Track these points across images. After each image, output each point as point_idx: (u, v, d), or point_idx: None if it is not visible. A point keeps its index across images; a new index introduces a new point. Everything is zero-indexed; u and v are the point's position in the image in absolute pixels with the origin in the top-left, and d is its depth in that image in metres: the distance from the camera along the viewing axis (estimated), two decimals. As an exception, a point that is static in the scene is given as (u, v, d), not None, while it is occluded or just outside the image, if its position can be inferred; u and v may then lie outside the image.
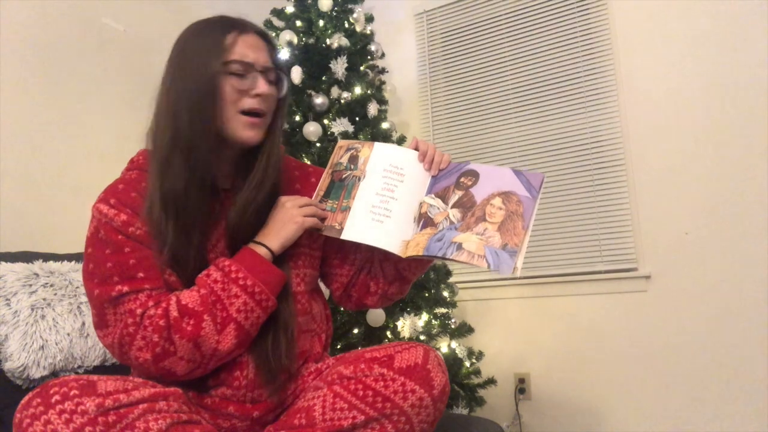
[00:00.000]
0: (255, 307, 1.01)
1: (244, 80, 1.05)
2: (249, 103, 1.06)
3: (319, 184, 1.20)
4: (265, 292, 1.02)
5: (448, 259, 1.06)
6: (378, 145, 1.21)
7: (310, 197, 1.18)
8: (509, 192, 1.10)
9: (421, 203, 1.15)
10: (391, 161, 1.18)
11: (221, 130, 1.06)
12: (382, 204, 1.14)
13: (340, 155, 1.23)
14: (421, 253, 1.07)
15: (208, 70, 1.03)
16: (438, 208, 1.13)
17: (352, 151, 1.22)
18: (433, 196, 1.15)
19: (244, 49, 1.06)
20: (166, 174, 1.02)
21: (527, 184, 1.11)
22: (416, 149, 1.20)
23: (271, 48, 1.12)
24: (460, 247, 1.05)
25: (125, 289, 0.98)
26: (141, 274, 0.99)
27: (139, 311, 0.97)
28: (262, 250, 1.06)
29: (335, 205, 1.16)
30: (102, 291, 0.98)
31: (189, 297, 0.99)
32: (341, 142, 1.25)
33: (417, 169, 1.18)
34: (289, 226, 1.08)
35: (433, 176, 1.18)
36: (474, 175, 1.15)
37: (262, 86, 1.06)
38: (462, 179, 1.15)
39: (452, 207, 1.12)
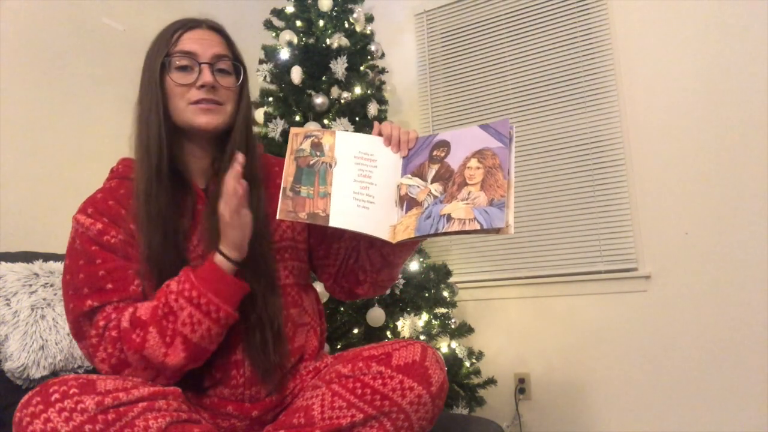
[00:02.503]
0: (203, 318, 0.96)
1: (189, 73, 1.08)
2: (196, 94, 1.08)
3: (284, 170, 1.14)
4: (214, 302, 0.97)
5: (441, 234, 1.04)
6: (340, 133, 1.18)
7: None
8: (482, 149, 1.07)
9: (398, 186, 1.13)
10: (359, 148, 1.16)
11: (179, 124, 1.09)
12: (363, 190, 1.12)
13: (299, 141, 1.17)
14: (413, 235, 1.05)
15: (154, 68, 1.07)
16: (418, 187, 1.11)
17: (312, 138, 1.17)
18: (409, 176, 1.13)
19: (187, 43, 1.09)
20: (139, 175, 1.05)
21: (497, 134, 1.07)
22: (380, 135, 1.18)
23: (227, 40, 1.14)
24: (449, 218, 1.03)
25: (95, 303, 0.99)
26: (109, 286, 1.00)
27: (101, 323, 0.98)
28: (218, 258, 1.01)
29: (311, 191, 1.12)
30: (76, 305, 1.00)
31: (144, 309, 0.98)
32: (295, 130, 1.19)
33: (386, 153, 1.16)
34: (229, 231, 1.01)
35: (403, 157, 1.16)
36: (445, 145, 1.13)
37: (205, 77, 1.07)
38: (434, 153, 1.13)
39: (432, 182, 1.10)
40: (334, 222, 1.09)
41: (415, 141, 1.16)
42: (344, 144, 1.16)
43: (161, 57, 1.07)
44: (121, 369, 0.97)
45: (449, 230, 1.02)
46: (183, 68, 1.08)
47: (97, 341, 0.98)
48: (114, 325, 0.97)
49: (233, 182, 0.99)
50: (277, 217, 1.07)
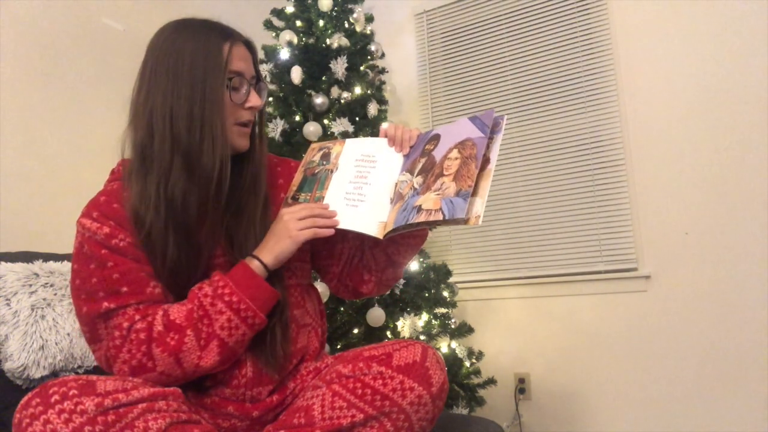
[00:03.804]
0: (240, 323, 1.00)
1: (239, 93, 1.07)
2: (245, 115, 1.09)
3: (292, 181, 1.22)
4: (252, 308, 1.00)
5: (412, 225, 1.04)
6: (349, 141, 1.23)
7: None
8: (464, 140, 1.07)
9: (396, 184, 1.14)
10: (362, 152, 1.19)
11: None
12: (356, 190, 1.14)
13: (312, 155, 1.24)
14: (391, 228, 1.06)
15: (211, 82, 1.03)
16: (406, 181, 1.12)
17: (324, 150, 1.23)
18: (404, 172, 1.14)
19: (239, 62, 1.07)
20: (167, 182, 1.01)
21: (481, 125, 1.06)
22: (385, 135, 1.20)
23: (255, 57, 1.14)
24: (419, 209, 1.03)
25: (112, 306, 0.98)
26: (125, 289, 0.99)
27: (125, 325, 0.98)
28: (254, 264, 1.04)
29: (308, 197, 1.17)
30: (90, 308, 0.99)
31: (177, 311, 0.99)
32: (314, 144, 1.27)
33: (389, 153, 1.18)
34: (283, 241, 1.05)
35: (404, 155, 1.17)
36: (436, 138, 1.13)
37: (255, 100, 1.09)
38: (426, 146, 1.13)
39: (417, 175, 1.10)
40: None
41: (415, 138, 1.17)
42: (350, 150, 1.20)
43: (220, 73, 1.04)
44: (141, 371, 0.96)
45: (417, 221, 1.02)
46: (235, 88, 1.07)
47: (120, 342, 0.97)
48: (143, 327, 0.97)
49: (329, 221, 1.08)
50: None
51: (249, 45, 1.12)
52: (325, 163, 1.20)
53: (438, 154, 1.09)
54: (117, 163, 1.14)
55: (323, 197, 1.14)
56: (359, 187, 1.14)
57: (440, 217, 0.99)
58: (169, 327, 0.97)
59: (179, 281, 1.03)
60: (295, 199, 1.18)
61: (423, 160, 1.11)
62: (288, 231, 1.06)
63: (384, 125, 1.21)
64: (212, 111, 1.03)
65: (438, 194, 1.03)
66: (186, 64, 1.03)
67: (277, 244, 1.06)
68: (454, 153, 1.07)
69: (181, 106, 1.02)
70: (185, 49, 1.04)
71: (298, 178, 1.22)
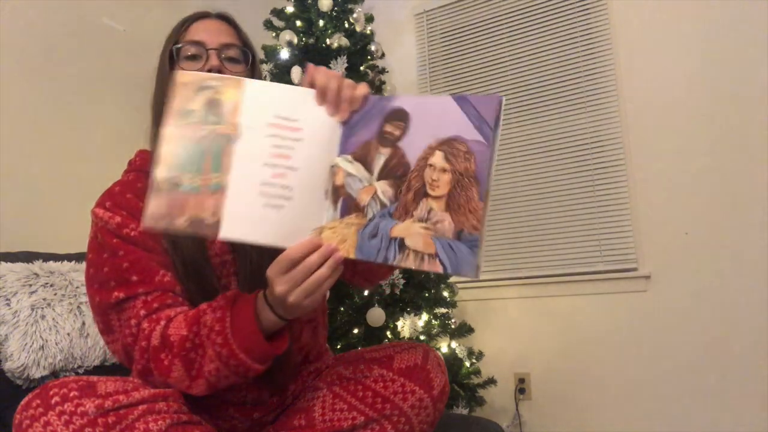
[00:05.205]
0: (229, 374, 0.90)
1: (197, 62, 1.07)
2: None
3: (159, 146, 0.79)
4: (245, 363, 0.87)
5: (393, 266, 0.78)
6: (250, 85, 0.82)
7: None
8: (452, 139, 0.76)
9: (332, 168, 0.81)
10: (277, 109, 0.81)
11: None
12: (277, 180, 0.79)
13: (188, 98, 0.80)
14: (353, 256, 0.78)
15: (164, 60, 1.09)
16: (360, 180, 0.80)
17: (208, 93, 0.80)
18: (348, 157, 0.81)
19: (196, 33, 1.10)
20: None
21: (477, 118, 0.74)
22: (312, 86, 0.84)
23: (236, 29, 1.14)
24: (402, 245, 0.75)
25: (122, 295, 0.97)
26: (135, 278, 0.98)
27: (133, 322, 0.96)
28: (265, 315, 0.87)
29: (198, 182, 0.77)
30: (102, 298, 0.98)
31: (176, 327, 0.92)
32: (184, 77, 0.81)
33: (318, 115, 0.82)
34: (299, 310, 0.85)
35: (343, 123, 0.82)
36: (402, 117, 0.80)
37: (212, 61, 1.06)
38: (387, 128, 0.80)
39: (379, 177, 0.79)
40: (227, 232, 0.78)
41: (362, 101, 0.84)
42: (256, 102, 0.81)
43: (170, 47, 1.09)
44: (145, 375, 0.95)
45: (402, 265, 0.75)
46: (192, 57, 1.07)
47: (132, 340, 0.96)
48: (146, 335, 0.94)
49: (331, 272, 0.79)
50: (141, 226, 0.80)
51: (225, 18, 1.14)
52: (212, 119, 0.79)
53: (410, 149, 0.78)
54: (135, 153, 1.14)
55: (223, 186, 0.77)
56: (281, 174, 0.79)
57: (438, 268, 0.73)
58: (164, 343, 0.92)
59: (186, 261, 1.01)
60: (175, 185, 0.77)
61: (385, 153, 0.80)
62: (302, 309, 0.84)
63: (311, 69, 0.85)
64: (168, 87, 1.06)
65: (427, 228, 0.75)
66: (161, 55, 1.10)
67: (297, 310, 0.85)
68: (439, 159, 0.77)
69: (156, 94, 1.08)
70: (164, 44, 1.12)
71: (172, 143, 0.78)
